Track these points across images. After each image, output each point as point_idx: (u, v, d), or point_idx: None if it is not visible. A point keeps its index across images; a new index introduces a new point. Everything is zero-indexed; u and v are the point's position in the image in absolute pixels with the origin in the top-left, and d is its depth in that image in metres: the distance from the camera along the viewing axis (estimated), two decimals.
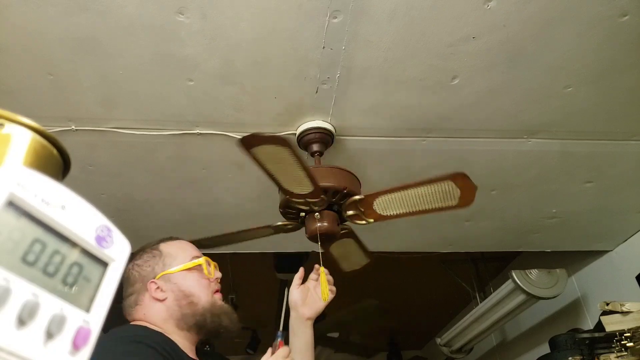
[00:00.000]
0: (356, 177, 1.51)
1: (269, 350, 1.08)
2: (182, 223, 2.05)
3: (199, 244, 1.51)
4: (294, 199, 1.38)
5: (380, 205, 1.41)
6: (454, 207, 1.43)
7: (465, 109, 1.52)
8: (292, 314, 1.33)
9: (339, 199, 1.43)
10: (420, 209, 1.42)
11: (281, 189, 1.35)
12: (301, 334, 1.29)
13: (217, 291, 1.19)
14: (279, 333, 1.15)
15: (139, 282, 1.14)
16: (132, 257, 1.17)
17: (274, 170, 1.28)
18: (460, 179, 1.35)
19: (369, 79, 1.39)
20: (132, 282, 1.14)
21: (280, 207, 1.50)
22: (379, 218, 1.45)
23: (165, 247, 1.20)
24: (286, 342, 1.20)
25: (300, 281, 1.35)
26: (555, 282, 2.46)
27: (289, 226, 1.51)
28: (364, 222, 1.47)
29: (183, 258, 1.18)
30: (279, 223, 1.53)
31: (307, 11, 1.19)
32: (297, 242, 1.92)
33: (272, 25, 1.23)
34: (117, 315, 1.19)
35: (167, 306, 1.11)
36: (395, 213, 1.43)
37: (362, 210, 1.42)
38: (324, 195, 1.38)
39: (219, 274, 1.21)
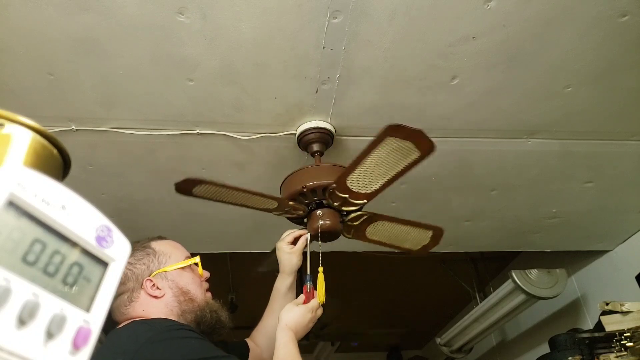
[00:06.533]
0: (341, 167, 1.40)
1: (301, 295, 1.23)
2: (182, 223, 2.05)
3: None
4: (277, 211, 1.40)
5: (356, 183, 1.28)
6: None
7: (465, 109, 1.52)
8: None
9: (328, 196, 1.32)
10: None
11: (256, 209, 1.39)
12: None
13: (207, 290, 1.22)
14: (308, 277, 1.27)
15: (131, 281, 1.12)
16: None
17: (229, 200, 1.30)
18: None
19: (369, 79, 1.39)
20: (123, 281, 1.11)
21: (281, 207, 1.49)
22: (368, 197, 1.32)
23: (157, 245, 1.20)
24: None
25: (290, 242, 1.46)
26: (555, 282, 2.46)
27: (300, 211, 1.41)
28: (357, 207, 1.36)
29: (177, 257, 1.19)
30: (286, 208, 1.42)
31: (307, 11, 1.19)
32: None
33: (272, 26, 1.23)
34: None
35: (166, 303, 1.11)
36: (377, 187, 1.28)
37: (347, 196, 1.31)
38: (293, 202, 1.36)
39: (207, 274, 1.25)
